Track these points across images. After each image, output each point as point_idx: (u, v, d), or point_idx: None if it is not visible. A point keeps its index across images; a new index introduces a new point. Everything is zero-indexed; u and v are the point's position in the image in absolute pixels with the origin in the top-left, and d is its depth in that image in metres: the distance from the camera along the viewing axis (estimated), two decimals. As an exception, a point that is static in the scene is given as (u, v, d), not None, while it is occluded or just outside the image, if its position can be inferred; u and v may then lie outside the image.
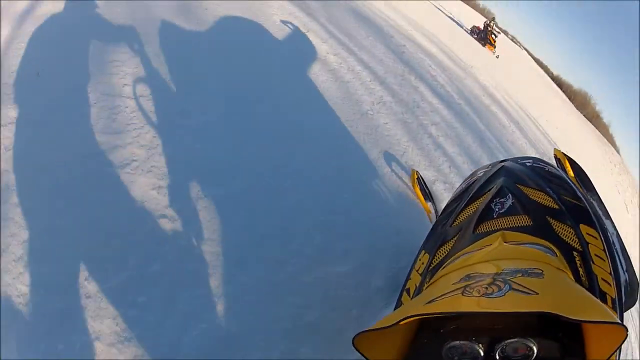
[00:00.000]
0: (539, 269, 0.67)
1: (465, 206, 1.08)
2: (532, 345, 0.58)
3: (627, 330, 0.52)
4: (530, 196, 0.99)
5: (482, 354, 0.60)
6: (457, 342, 0.60)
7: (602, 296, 0.81)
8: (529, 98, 9.84)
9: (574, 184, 1.11)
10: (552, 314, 0.51)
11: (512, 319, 0.60)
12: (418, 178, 2.04)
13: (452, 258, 0.91)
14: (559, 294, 0.62)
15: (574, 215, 0.94)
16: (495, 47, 14.38)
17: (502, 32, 20.92)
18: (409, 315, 0.58)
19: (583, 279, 0.83)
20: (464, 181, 1.31)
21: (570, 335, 0.59)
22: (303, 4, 4.18)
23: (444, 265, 0.90)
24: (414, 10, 7.84)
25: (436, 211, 1.85)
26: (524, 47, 37.42)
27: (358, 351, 0.61)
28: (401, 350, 0.67)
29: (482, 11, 30.32)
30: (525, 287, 0.59)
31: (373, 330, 0.60)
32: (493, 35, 14.50)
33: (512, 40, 35.11)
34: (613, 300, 0.82)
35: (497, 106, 5.53)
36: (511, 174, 1.09)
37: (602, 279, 0.84)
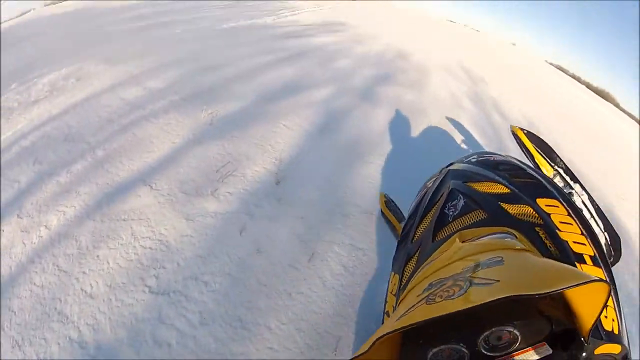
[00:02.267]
0: (499, 257, 0.65)
1: (422, 219, 1.03)
2: (511, 329, 0.58)
3: (608, 283, 0.51)
4: (480, 189, 0.97)
5: (466, 352, 0.60)
6: (438, 347, 0.60)
7: (579, 257, 0.78)
8: None
9: (524, 163, 1.07)
10: (519, 296, 0.49)
11: (488, 311, 0.55)
12: (386, 201, 1.82)
13: (417, 272, 0.86)
14: (521, 275, 0.59)
15: (528, 193, 0.91)
16: None
17: None
18: (377, 337, 0.54)
19: (552, 249, 0.80)
20: (417, 195, 1.21)
21: (552, 309, 0.60)
22: None
23: (410, 281, 0.87)
24: None
25: None
26: None
27: None
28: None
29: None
30: (485, 278, 0.56)
31: (357, 356, 0.56)
32: None
33: None
34: (592, 257, 0.79)
35: None
36: (458, 175, 1.07)
37: (574, 241, 0.81)
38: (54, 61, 3.29)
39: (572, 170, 1.39)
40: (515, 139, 1.52)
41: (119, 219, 1.66)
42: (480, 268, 0.61)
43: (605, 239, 0.95)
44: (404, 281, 0.91)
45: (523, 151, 1.49)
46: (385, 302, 0.95)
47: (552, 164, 1.39)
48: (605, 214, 1.09)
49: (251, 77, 3.19)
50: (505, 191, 0.92)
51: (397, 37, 7.43)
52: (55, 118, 2.35)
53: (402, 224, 1.20)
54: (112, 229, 1.62)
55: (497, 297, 0.47)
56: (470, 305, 0.48)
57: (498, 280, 0.53)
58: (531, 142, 1.43)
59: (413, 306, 0.58)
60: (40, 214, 1.67)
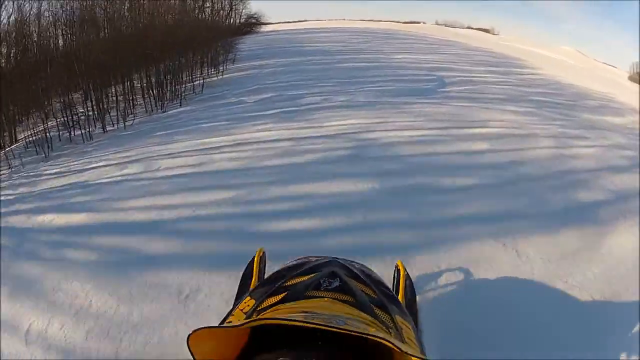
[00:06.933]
0: (367, 323, 0.86)
1: (297, 275, 1.22)
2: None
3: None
4: (356, 285, 1.17)
5: None
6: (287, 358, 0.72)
7: None
8: None
9: (391, 290, 1.32)
10: (388, 342, 0.67)
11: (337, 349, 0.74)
12: (262, 256, 1.82)
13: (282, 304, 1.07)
14: (388, 335, 0.79)
15: (391, 307, 1.12)
16: None
17: None
18: (261, 320, 0.71)
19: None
20: (297, 258, 1.42)
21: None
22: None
23: (274, 308, 1.03)
24: None
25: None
26: None
27: (189, 347, 0.68)
28: (231, 355, 0.81)
29: None
30: (359, 324, 0.77)
31: (216, 327, 0.70)
32: None
33: None
34: None
35: None
36: (341, 267, 1.27)
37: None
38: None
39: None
40: (395, 271, 1.77)
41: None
42: (351, 320, 0.81)
43: None
44: (262, 307, 1.08)
45: (393, 282, 1.73)
46: (231, 314, 1.12)
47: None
48: None
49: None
50: (375, 296, 1.16)
51: None
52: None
53: (268, 275, 1.40)
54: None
55: (375, 334, 0.67)
56: (351, 330, 0.67)
57: (370, 326, 0.77)
58: (405, 283, 1.67)
59: (291, 315, 0.74)
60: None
